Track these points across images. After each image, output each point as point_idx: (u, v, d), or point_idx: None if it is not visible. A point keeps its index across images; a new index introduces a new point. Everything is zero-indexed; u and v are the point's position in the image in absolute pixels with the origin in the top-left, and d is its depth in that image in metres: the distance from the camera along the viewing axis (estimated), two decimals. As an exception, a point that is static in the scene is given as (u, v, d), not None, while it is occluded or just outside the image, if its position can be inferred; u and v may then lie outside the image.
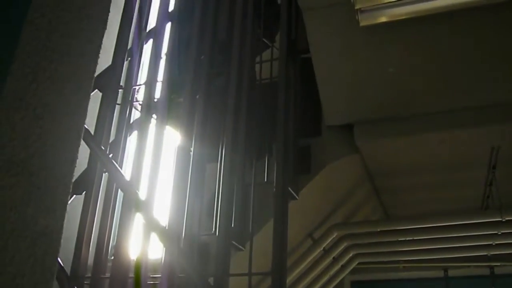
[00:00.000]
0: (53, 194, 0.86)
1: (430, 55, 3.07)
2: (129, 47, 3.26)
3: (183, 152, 2.79)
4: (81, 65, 0.95)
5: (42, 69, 0.85)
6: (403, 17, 2.76)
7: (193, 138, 2.83)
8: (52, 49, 0.88)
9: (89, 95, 0.99)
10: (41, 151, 0.84)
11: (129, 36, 3.25)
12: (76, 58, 0.93)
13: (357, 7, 2.72)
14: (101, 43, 1.01)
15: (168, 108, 2.93)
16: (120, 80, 3.16)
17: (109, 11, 1.03)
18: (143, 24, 3.34)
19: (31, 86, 0.82)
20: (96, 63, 0.98)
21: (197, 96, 2.95)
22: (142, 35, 3.32)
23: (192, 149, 2.81)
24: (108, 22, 3.70)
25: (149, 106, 2.92)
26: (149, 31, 3.42)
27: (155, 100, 2.98)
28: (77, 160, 3.18)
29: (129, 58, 3.24)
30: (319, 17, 2.97)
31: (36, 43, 0.84)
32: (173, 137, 3.13)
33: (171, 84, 3.00)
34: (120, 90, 3.15)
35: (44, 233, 0.83)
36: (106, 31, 3.70)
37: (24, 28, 0.81)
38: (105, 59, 3.23)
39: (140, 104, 3.07)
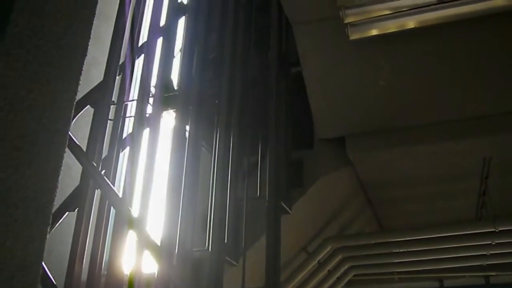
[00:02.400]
0: (32, 225, 0.85)
1: (420, 68, 3.08)
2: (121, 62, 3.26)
3: (176, 165, 2.79)
4: (60, 93, 0.94)
5: (19, 99, 0.85)
6: (391, 31, 2.77)
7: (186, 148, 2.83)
8: (30, 78, 0.87)
9: (70, 122, 0.98)
10: (20, 183, 0.84)
11: (120, 51, 3.25)
12: (56, 86, 0.93)
13: (346, 21, 2.74)
14: (81, 69, 1.01)
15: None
16: (112, 96, 3.15)
17: (89, 38, 1.03)
18: (135, 39, 3.34)
19: (8, 117, 0.82)
20: (76, 90, 0.98)
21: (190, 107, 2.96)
22: (134, 50, 3.32)
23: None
24: (102, 37, 3.66)
25: (141, 121, 2.91)
26: (141, 45, 3.42)
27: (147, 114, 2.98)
28: (70, 176, 3.15)
29: (121, 73, 3.24)
30: (309, 31, 2.98)
31: (12, 74, 0.84)
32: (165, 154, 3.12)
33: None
34: (112, 105, 3.14)
35: (22, 266, 0.82)
36: (102, 46, 3.65)
37: (1, 59, 0.81)
38: (99, 74, 3.23)
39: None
